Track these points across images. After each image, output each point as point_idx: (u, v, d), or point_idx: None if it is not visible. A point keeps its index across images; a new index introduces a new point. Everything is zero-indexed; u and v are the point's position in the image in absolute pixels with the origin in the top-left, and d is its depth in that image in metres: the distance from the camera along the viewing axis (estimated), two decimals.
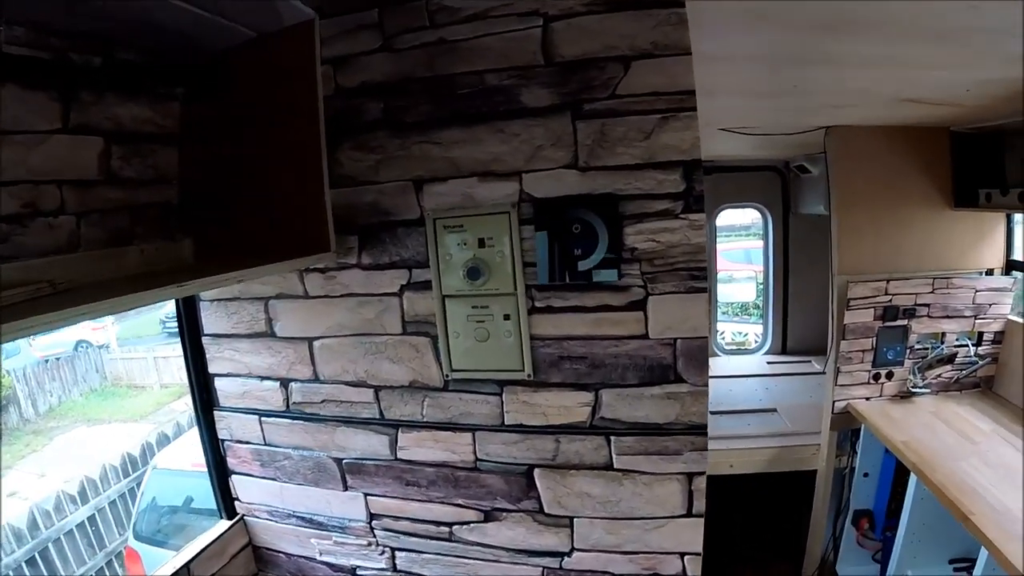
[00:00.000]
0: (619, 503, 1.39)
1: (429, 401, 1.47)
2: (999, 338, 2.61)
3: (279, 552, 1.73)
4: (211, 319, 1.61)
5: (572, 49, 1.23)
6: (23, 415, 9.26)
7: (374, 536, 1.61)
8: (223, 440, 1.69)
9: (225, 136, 1.35)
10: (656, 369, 1.30)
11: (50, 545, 4.37)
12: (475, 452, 1.46)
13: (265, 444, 1.64)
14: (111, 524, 4.83)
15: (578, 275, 1.29)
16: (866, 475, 2.67)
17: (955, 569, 2.25)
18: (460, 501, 1.50)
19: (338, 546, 1.65)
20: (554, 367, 1.36)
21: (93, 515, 4.72)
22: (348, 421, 1.54)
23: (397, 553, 1.60)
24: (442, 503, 1.52)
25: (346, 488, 1.59)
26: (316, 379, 1.55)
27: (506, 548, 1.50)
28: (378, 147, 1.38)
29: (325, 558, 1.67)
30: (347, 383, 1.52)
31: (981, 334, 2.60)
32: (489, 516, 1.49)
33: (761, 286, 4.33)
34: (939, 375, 2.64)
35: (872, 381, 2.64)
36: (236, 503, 1.73)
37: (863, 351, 2.60)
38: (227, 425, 1.67)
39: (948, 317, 2.59)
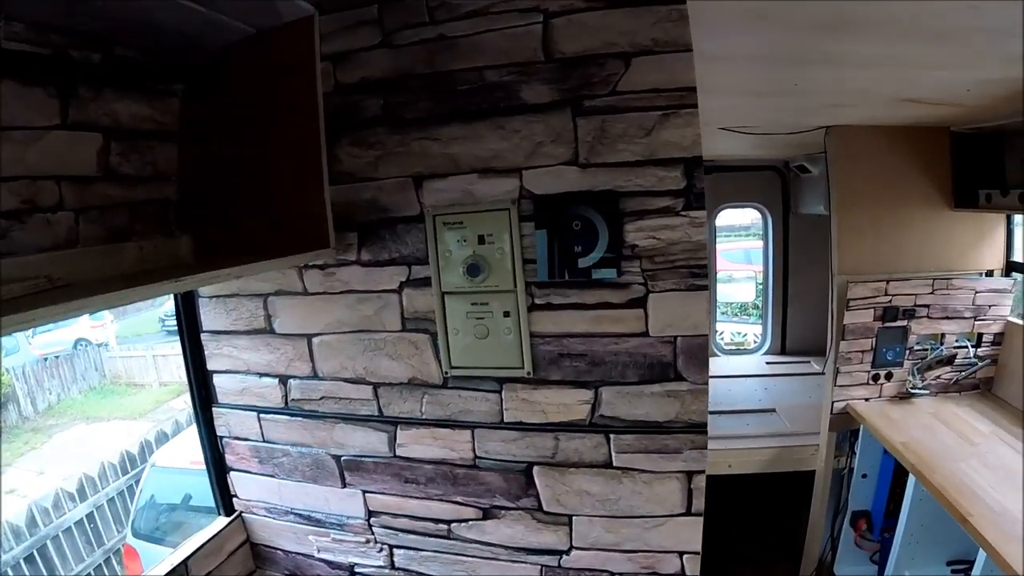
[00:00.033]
0: (618, 501, 1.39)
1: (428, 398, 1.47)
2: (999, 340, 2.60)
3: (277, 549, 1.72)
4: (210, 316, 1.61)
5: (572, 45, 1.22)
6: (22, 413, 9.26)
7: (372, 533, 1.60)
8: (221, 437, 1.69)
9: (224, 133, 1.34)
10: (656, 367, 1.30)
11: (48, 543, 4.37)
12: (474, 450, 1.46)
13: (264, 441, 1.64)
14: (109, 522, 4.84)
15: (578, 272, 1.29)
16: (864, 476, 2.67)
17: (953, 571, 2.25)
18: (459, 499, 1.50)
19: (336, 543, 1.64)
20: (554, 364, 1.36)
21: (92, 513, 4.72)
22: (347, 418, 1.54)
23: (395, 550, 1.60)
24: (441, 501, 1.52)
25: (344, 485, 1.59)
26: (315, 376, 1.54)
27: (505, 546, 1.50)
28: (378, 143, 1.38)
29: (323, 555, 1.67)
30: (346, 380, 1.52)
31: (981, 335, 2.60)
32: (488, 514, 1.49)
33: (760, 286, 4.34)
34: (938, 376, 2.64)
35: (871, 382, 2.64)
36: (234, 500, 1.73)
37: (862, 352, 2.60)
38: (226, 422, 1.67)
39: (948, 318, 2.59)
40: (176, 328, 1.66)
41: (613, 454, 1.37)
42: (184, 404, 7.70)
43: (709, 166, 3.58)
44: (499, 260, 1.34)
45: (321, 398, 1.55)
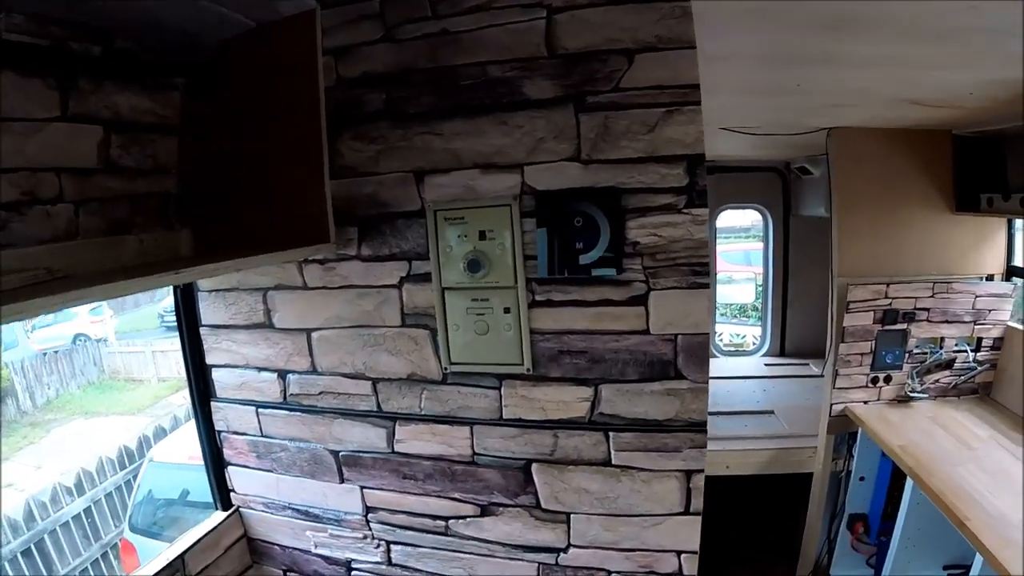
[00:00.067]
0: (617, 499, 1.39)
1: (427, 394, 1.46)
2: (998, 344, 2.60)
3: (274, 544, 1.72)
4: (209, 310, 1.60)
5: (575, 41, 1.22)
6: (21, 407, 9.24)
7: (370, 529, 1.60)
8: (219, 431, 1.68)
9: (225, 127, 1.34)
10: (656, 365, 1.30)
11: (46, 536, 4.38)
12: (473, 446, 1.45)
13: (262, 436, 1.64)
14: (107, 516, 4.84)
15: (579, 269, 1.28)
16: (862, 479, 2.66)
17: (949, 575, 2.25)
18: (457, 495, 1.50)
19: (333, 539, 1.64)
20: (554, 361, 1.36)
21: (89, 507, 4.73)
22: (345, 413, 1.54)
23: (393, 546, 1.60)
24: (439, 497, 1.51)
25: (342, 480, 1.59)
26: (314, 371, 1.54)
27: (502, 543, 1.50)
28: (379, 138, 1.37)
29: (320, 551, 1.67)
30: (345, 375, 1.52)
31: (980, 340, 2.59)
32: (486, 511, 1.49)
33: (760, 288, 4.33)
34: (937, 380, 2.64)
35: (870, 385, 2.63)
36: (232, 495, 1.72)
37: (862, 354, 2.59)
38: (224, 416, 1.67)
39: (948, 322, 2.58)
40: (175, 324, 1.66)
41: (612, 452, 1.37)
42: (182, 400, 7.69)
43: (710, 167, 3.55)
44: (500, 256, 1.34)
45: (320, 393, 1.55)
